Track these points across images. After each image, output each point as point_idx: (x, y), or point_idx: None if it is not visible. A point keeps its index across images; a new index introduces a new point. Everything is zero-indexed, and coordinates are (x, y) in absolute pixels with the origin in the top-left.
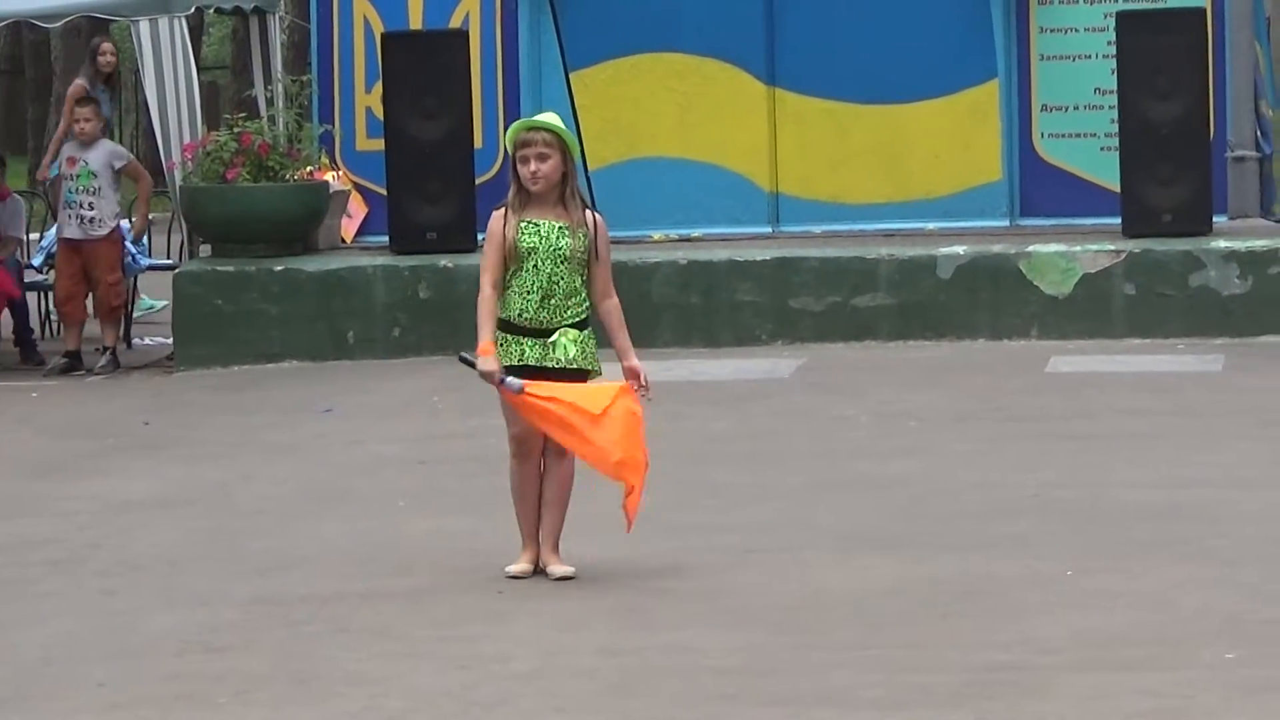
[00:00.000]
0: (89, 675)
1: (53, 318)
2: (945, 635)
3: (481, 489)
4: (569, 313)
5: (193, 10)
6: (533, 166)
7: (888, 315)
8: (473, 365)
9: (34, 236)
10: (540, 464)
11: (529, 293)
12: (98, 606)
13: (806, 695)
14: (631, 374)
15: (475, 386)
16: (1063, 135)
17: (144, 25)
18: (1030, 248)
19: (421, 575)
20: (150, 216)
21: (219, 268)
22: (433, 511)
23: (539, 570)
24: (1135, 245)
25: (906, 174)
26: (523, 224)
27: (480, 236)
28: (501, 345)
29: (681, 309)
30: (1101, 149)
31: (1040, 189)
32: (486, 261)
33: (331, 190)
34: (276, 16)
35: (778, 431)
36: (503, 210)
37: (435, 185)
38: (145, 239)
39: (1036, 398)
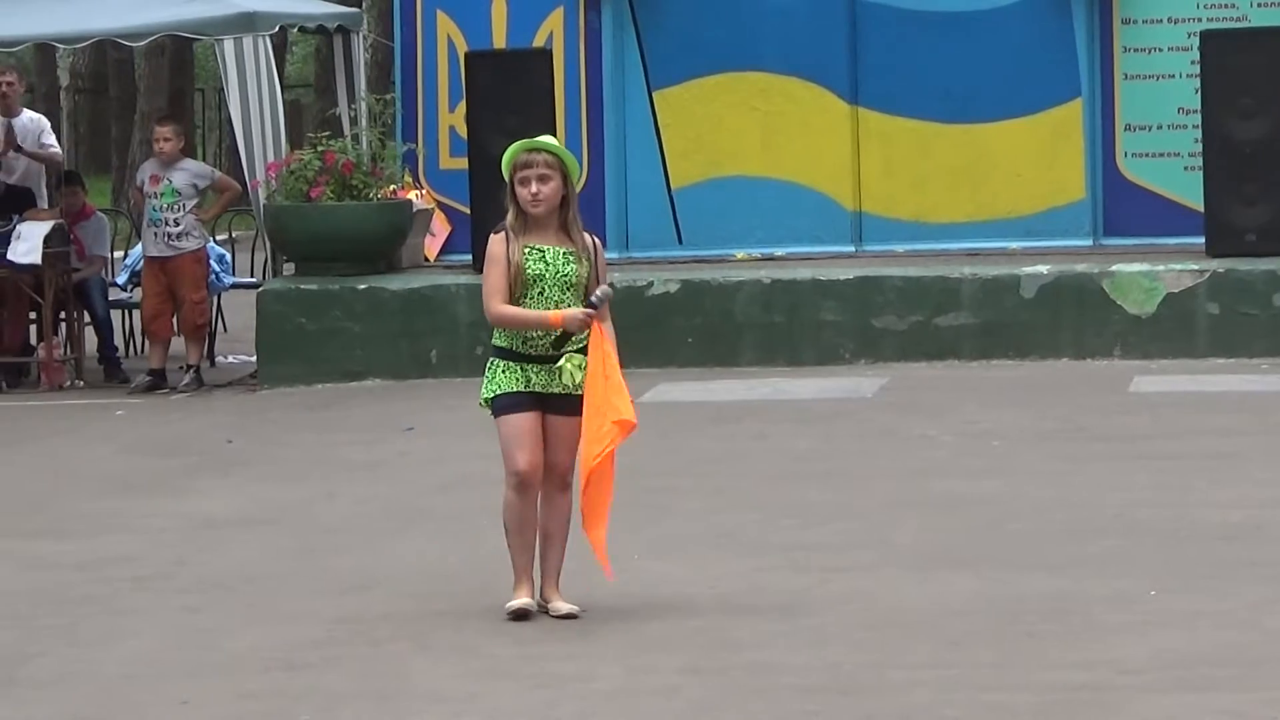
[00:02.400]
0: (172, 693)
1: (137, 336)
2: (1027, 654)
3: None
4: (577, 339)
5: (276, 29)
6: (534, 188)
7: (971, 334)
8: (586, 319)
9: (118, 255)
10: (538, 499)
11: None
12: (181, 624)
13: (888, 714)
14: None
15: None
16: (1146, 155)
17: (228, 44)
18: (1114, 267)
19: (503, 593)
20: (234, 235)
21: (302, 286)
22: None
23: (541, 607)
24: (1219, 265)
25: (990, 193)
26: (526, 249)
27: None
28: (506, 372)
29: (765, 328)
30: (1185, 168)
31: (1124, 208)
32: (492, 285)
33: (415, 209)
34: (360, 35)
35: (860, 451)
36: (503, 234)
37: None
38: (229, 257)
39: (1119, 417)
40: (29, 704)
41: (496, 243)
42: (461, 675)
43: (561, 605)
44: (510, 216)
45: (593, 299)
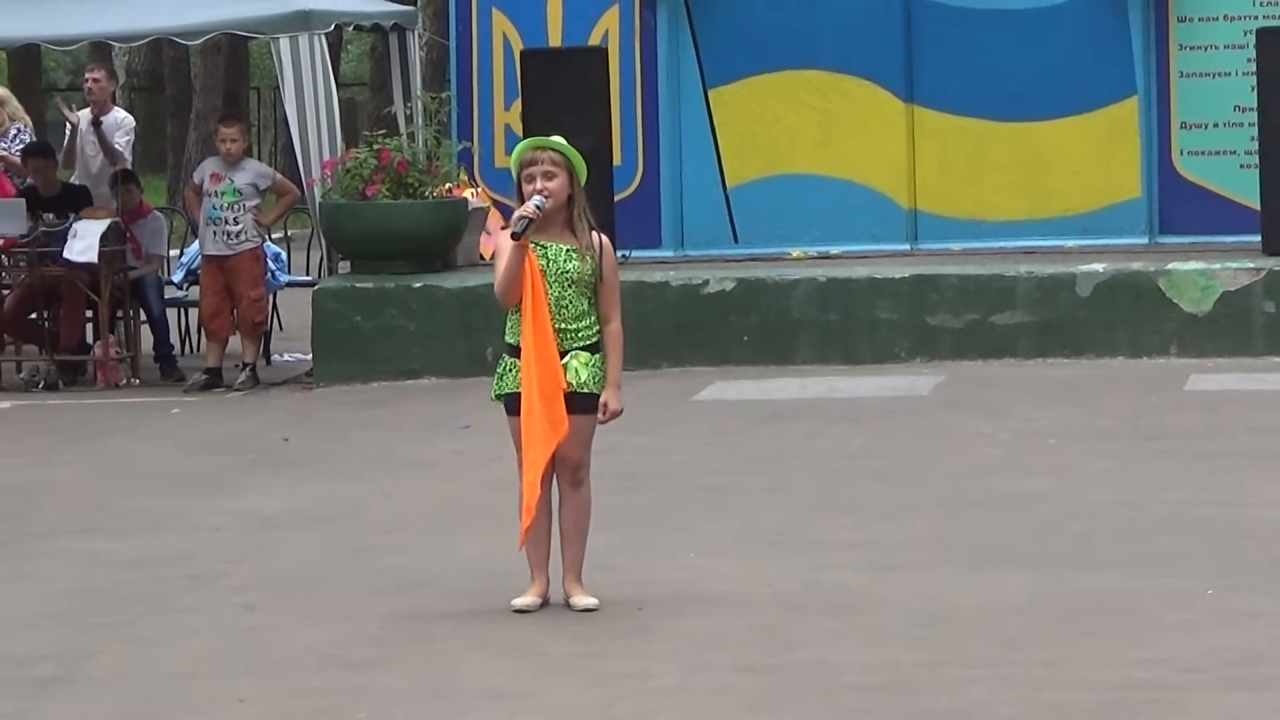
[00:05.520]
0: (229, 691)
1: (193, 335)
2: (1083, 653)
3: (618, 506)
4: (579, 336)
5: (332, 27)
6: (539, 185)
7: (1026, 333)
8: (529, 221)
9: (174, 253)
10: (550, 494)
11: None
12: (237, 622)
13: (944, 712)
14: (600, 404)
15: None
16: (1202, 153)
17: (284, 42)
18: (1169, 265)
19: (559, 591)
20: (289, 233)
21: (358, 284)
22: None
23: (545, 604)
24: (1275, 263)
25: (1045, 191)
26: (531, 245)
27: (621, 253)
28: (513, 370)
29: (820, 326)
30: (1241, 166)
31: (1180, 206)
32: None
33: (470, 207)
34: (415, 33)
35: (916, 449)
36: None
37: None
38: (285, 256)
39: (1175, 416)
40: (85, 701)
41: (505, 236)
42: (518, 673)
43: (581, 599)
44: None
45: (534, 202)
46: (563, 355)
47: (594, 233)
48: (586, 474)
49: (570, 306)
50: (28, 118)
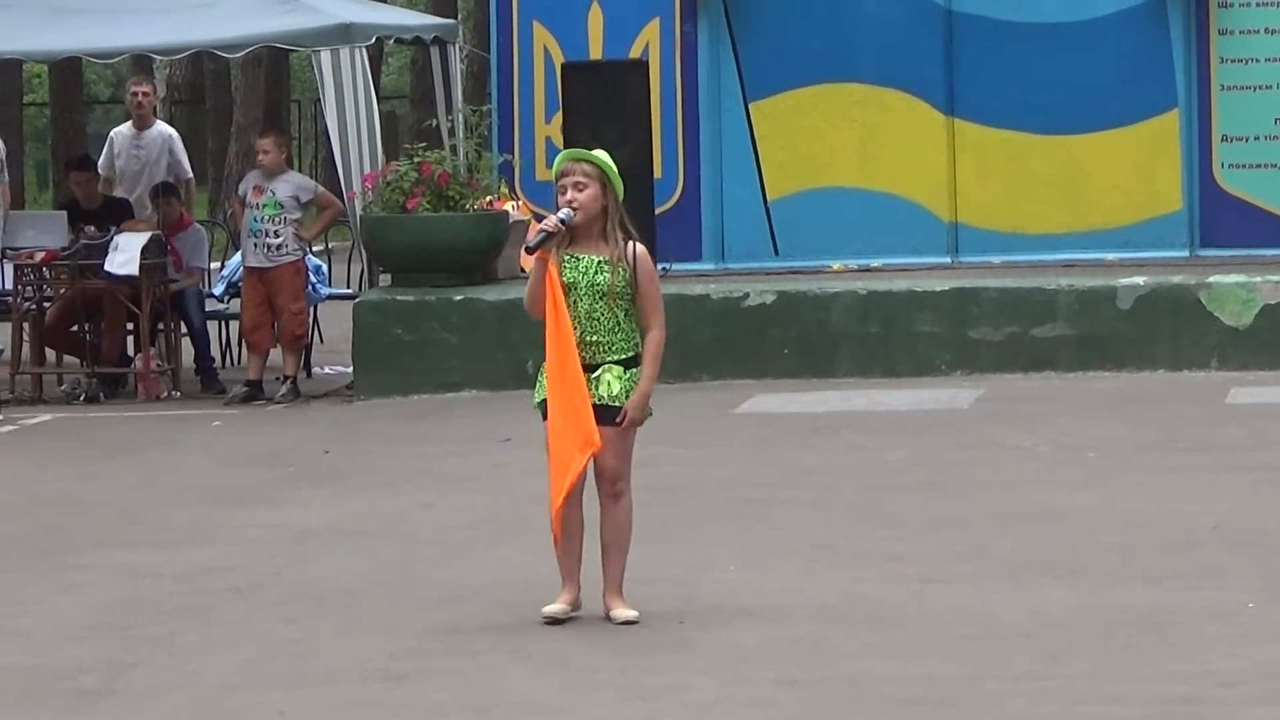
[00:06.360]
0: (270, 703)
1: (233, 347)
2: (1124, 666)
3: (658, 519)
4: (614, 349)
5: (373, 40)
6: (569, 195)
7: (1067, 346)
8: (546, 235)
9: (215, 265)
10: (582, 504)
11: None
12: (278, 634)
13: None
14: (621, 410)
15: (653, 417)
16: (1243, 165)
17: (325, 55)
18: (1210, 278)
19: (600, 604)
20: (330, 246)
21: (399, 297)
22: None
23: (576, 609)
24: None
25: (1086, 204)
26: (564, 258)
27: (661, 266)
28: (545, 381)
29: (861, 339)
30: None
31: (1221, 219)
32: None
33: (511, 220)
34: (456, 46)
35: (956, 462)
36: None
37: None
38: (325, 268)
39: (1216, 429)
40: (127, 714)
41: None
42: (559, 687)
43: (622, 612)
44: None
45: (560, 214)
46: (595, 369)
47: (629, 243)
48: (627, 486)
49: (602, 319)
50: None
